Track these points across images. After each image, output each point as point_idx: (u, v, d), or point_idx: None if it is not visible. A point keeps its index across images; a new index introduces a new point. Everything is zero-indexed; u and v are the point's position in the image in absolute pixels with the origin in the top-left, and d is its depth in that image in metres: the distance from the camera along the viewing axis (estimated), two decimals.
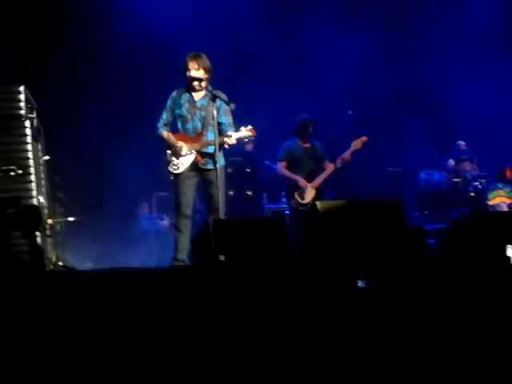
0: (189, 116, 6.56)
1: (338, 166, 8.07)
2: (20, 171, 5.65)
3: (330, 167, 8.13)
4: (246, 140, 6.64)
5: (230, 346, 4.15)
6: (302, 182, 8.14)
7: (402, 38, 10.29)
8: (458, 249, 5.39)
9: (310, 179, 8.17)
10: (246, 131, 6.49)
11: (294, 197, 8.16)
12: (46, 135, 6.25)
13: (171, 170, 6.51)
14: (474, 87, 9.79)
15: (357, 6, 10.20)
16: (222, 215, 6.15)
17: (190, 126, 6.56)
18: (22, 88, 5.76)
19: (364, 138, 8.14)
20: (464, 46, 10.17)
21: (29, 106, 5.86)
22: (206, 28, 9.57)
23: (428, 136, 9.61)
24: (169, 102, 6.62)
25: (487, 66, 9.88)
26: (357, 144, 8.12)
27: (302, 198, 8.10)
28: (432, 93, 10.10)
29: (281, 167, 8.36)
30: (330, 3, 10.07)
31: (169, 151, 6.55)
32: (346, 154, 8.09)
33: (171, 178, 6.55)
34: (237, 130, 6.51)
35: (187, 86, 6.58)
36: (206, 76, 6.50)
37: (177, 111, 6.58)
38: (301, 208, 8.07)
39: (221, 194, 6.23)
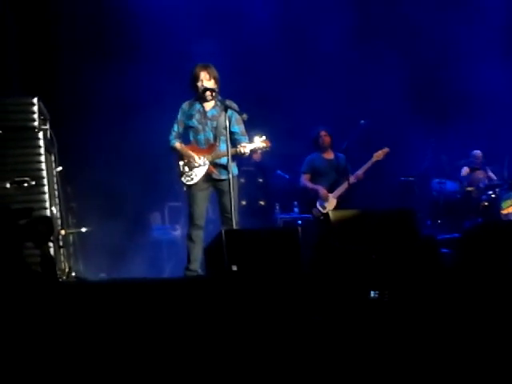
0: (200, 127, 6.57)
1: (360, 177, 8.18)
2: (33, 182, 5.67)
3: (351, 179, 8.20)
4: (260, 151, 6.65)
5: (243, 355, 4.14)
6: (322, 191, 8.30)
7: (414, 43, 10.24)
8: (471, 258, 5.37)
9: (332, 190, 8.29)
10: (260, 142, 6.51)
11: (315, 206, 8.27)
12: (58, 146, 6.27)
13: (184, 181, 6.53)
14: (493, 93, 9.73)
15: (369, 16, 10.16)
16: (234, 225, 6.15)
17: (201, 136, 6.57)
18: (35, 100, 5.78)
19: (386, 150, 8.27)
20: (484, 48, 10.09)
21: (42, 117, 5.89)
22: (220, 36, 9.56)
23: (441, 144, 9.55)
24: (179, 115, 6.63)
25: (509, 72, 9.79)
26: (379, 155, 8.26)
27: (324, 208, 8.22)
28: (444, 100, 10.05)
29: (303, 179, 8.55)
30: (342, 10, 10.06)
31: (181, 162, 6.56)
32: (367, 165, 8.21)
33: (184, 188, 6.58)
34: (250, 139, 6.52)
35: (197, 97, 6.59)
36: (216, 86, 6.52)
37: (188, 122, 6.59)
38: (322, 218, 8.15)
39: (233, 203, 6.23)
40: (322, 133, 8.44)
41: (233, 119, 6.49)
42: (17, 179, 5.64)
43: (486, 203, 9.12)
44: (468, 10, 10.11)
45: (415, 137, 9.64)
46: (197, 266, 6.47)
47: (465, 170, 9.66)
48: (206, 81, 6.49)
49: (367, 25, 10.05)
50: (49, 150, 6.03)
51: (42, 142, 5.79)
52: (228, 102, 6.39)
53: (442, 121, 9.70)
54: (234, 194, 6.25)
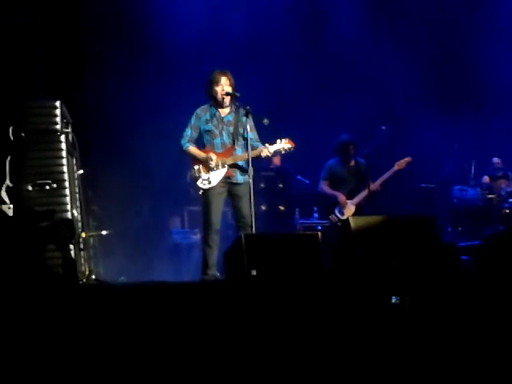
0: (217, 131, 6.56)
1: (378, 187, 8.19)
2: (55, 185, 5.71)
3: (371, 186, 8.18)
4: (284, 152, 6.63)
5: (262, 359, 4.14)
6: (341, 197, 8.29)
7: (439, 45, 10.19)
8: (492, 265, 5.34)
9: (351, 197, 8.27)
10: (284, 143, 6.52)
11: (333, 212, 8.26)
12: (80, 149, 6.30)
13: (201, 185, 6.46)
14: None
15: (397, 20, 10.13)
16: (252, 230, 6.14)
17: (218, 141, 6.55)
18: (57, 103, 5.82)
19: (408, 159, 8.27)
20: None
21: (64, 120, 5.92)
22: (238, 44, 9.58)
23: (464, 150, 9.48)
24: (193, 120, 6.60)
25: None
26: (400, 164, 8.28)
27: (342, 214, 8.21)
28: (467, 104, 9.96)
29: (322, 185, 8.52)
30: (365, 13, 10.04)
31: (196, 166, 6.52)
32: (388, 174, 8.21)
33: (200, 193, 6.51)
34: (273, 142, 6.53)
35: (213, 102, 6.59)
36: (233, 91, 6.53)
37: (203, 127, 6.57)
38: (339, 224, 8.15)
39: (248, 207, 6.25)
40: (351, 146, 8.38)
41: (248, 126, 6.51)
42: (39, 182, 5.67)
43: (508, 211, 9.06)
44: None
45: (436, 142, 9.60)
46: (215, 271, 6.45)
47: (485, 179, 9.58)
48: (227, 86, 6.50)
49: (388, 29, 10.01)
50: (70, 153, 6.06)
51: (63, 146, 5.82)
52: (248, 108, 6.41)
53: (465, 126, 9.63)
54: (246, 198, 6.28)
